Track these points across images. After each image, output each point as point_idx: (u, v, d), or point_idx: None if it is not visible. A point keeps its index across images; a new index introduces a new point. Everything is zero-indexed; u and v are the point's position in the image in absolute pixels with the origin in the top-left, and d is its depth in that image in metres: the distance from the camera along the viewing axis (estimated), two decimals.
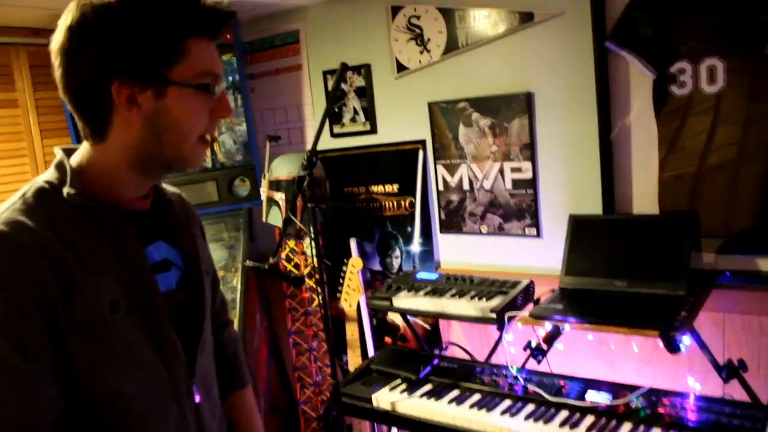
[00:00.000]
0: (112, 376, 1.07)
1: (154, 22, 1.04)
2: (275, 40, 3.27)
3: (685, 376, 2.27)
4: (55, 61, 1.08)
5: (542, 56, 2.47)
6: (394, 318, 3.04)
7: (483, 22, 2.57)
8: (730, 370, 1.99)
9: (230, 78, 3.17)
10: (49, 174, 1.11)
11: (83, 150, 1.14)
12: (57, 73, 1.08)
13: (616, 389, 2.01)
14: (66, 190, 1.07)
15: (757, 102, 2.06)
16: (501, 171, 2.65)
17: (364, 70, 2.95)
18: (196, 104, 1.10)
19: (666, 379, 2.32)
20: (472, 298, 2.32)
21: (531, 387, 2.08)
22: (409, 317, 2.83)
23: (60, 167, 1.12)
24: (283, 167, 2.83)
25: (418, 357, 2.44)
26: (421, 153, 2.86)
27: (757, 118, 2.06)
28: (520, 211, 2.64)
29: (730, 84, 2.08)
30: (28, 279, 0.98)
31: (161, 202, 1.27)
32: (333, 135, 3.14)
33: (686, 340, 1.90)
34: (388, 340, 3.06)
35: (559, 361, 2.38)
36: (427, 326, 2.93)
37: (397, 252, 3.03)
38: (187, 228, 1.32)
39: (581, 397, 1.99)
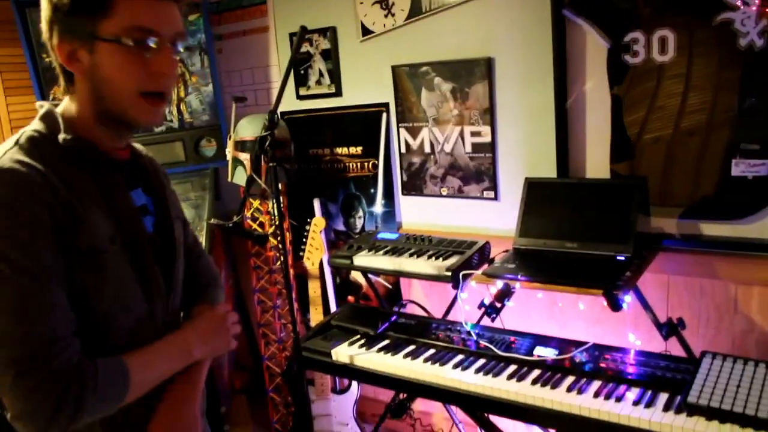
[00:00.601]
0: (106, 303, 1.17)
1: None
2: (243, 1, 3.26)
3: (629, 333, 2.38)
4: None
5: (503, 22, 2.51)
6: (357, 277, 3.12)
7: None
8: (669, 328, 2.11)
9: (198, 38, 3.17)
10: (36, 125, 1.19)
11: (65, 103, 1.22)
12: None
13: (563, 345, 2.11)
14: (62, 136, 1.16)
15: (700, 71, 2.14)
16: (461, 135, 2.71)
17: (330, 32, 2.97)
18: (126, 60, 1.13)
19: (613, 336, 2.43)
20: (430, 257, 2.40)
21: (483, 342, 2.18)
22: (371, 276, 2.91)
23: (48, 117, 1.19)
24: (249, 128, 2.87)
25: (377, 314, 2.52)
26: (384, 116, 2.91)
27: (700, 89, 2.15)
28: (478, 174, 2.71)
29: (680, 54, 2.16)
30: (46, 207, 1.07)
31: (135, 155, 1.36)
32: (299, 97, 3.16)
33: (628, 299, 2.00)
34: (350, 298, 3.14)
35: (513, 320, 2.48)
36: (388, 285, 3.01)
37: (360, 212, 3.09)
38: (157, 178, 1.41)
39: (530, 353, 2.08)
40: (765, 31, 2.01)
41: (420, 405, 3.05)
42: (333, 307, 2.96)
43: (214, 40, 3.34)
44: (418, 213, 2.95)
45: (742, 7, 2.03)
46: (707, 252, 2.25)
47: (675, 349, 2.11)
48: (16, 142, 1.14)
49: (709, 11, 2.08)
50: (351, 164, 3.07)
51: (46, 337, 1.06)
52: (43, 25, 1.15)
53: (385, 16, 2.78)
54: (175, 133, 3.14)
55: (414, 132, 2.84)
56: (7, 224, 1.04)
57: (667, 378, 1.86)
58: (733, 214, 2.18)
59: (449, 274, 2.27)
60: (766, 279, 2.17)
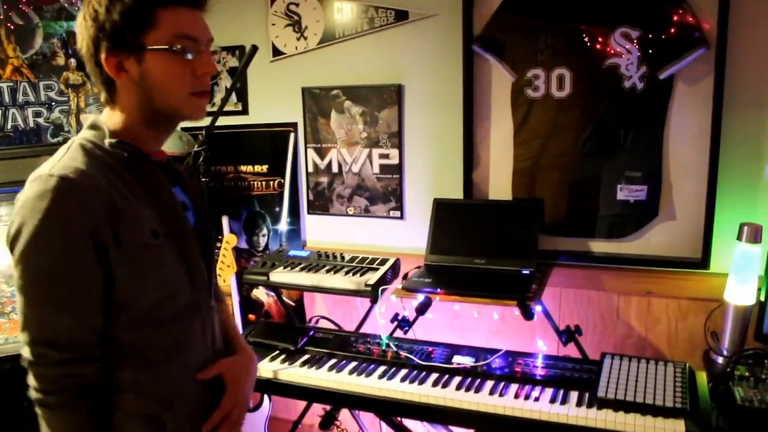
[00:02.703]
0: (154, 292, 1.29)
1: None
2: None
3: (532, 341, 2.62)
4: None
5: (414, 52, 2.69)
6: (258, 295, 3.13)
7: (360, 15, 2.73)
8: (568, 335, 2.35)
9: None
10: (85, 133, 1.30)
11: (107, 114, 1.32)
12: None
13: (478, 353, 2.28)
14: (108, 141, 1.25)
15: (591, 107, 2.43)
16: (369, 156, 2.84)
17: (239, 51, 2.99)
18: (175, 66, 1.26)
19: (513, 344, 2.65)
20: (347, 273, 2.49)
21: (403, 353, 2.30)
22: (275, 295, 2.94)
23: (95, 126, 1.29)
24: None
25: (291, 330, 2.57)
26: (292, 135, 2.97)
27: (586, 122, 2.44)
28: (385, 194, 2.85)
29: (575, 90, 2.44)
30: (85, 216, 1.17)
31: (169, 158, 1.47)
32: None
33: (539, 309, 2.22)
34: (252, 317, 3.14)
35: (419, 333, 2.62)
36: (291, 303, 3.05)
37: (264, 230, 3.11)
38: (191, 180, 1.52)
39: (448, 361, 2.23)
40: (644, 76, 2.34)
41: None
42: (239, 325, 2.95)
43: None
44: (323, 231, 3.03)
45: (624, 55, 2.35)
46: (594, 267, 2.54)
47: (571, 353, 2.36)
48: (68, 148, 1.25)
49: (598, 56, 2.38)
50: (255, 182, 3.09)
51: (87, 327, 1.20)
52: (85, 45, 1.25)
53: (298, 39, 2.86)
54: None
55: (322, 152, 2.93)
56: (51, 227, 1.15)
57: (575, 378, 2.08)
58: (617, 233, 2.49)
59: (368, 288, 2.38)
60: (643, 290, 2.49)
